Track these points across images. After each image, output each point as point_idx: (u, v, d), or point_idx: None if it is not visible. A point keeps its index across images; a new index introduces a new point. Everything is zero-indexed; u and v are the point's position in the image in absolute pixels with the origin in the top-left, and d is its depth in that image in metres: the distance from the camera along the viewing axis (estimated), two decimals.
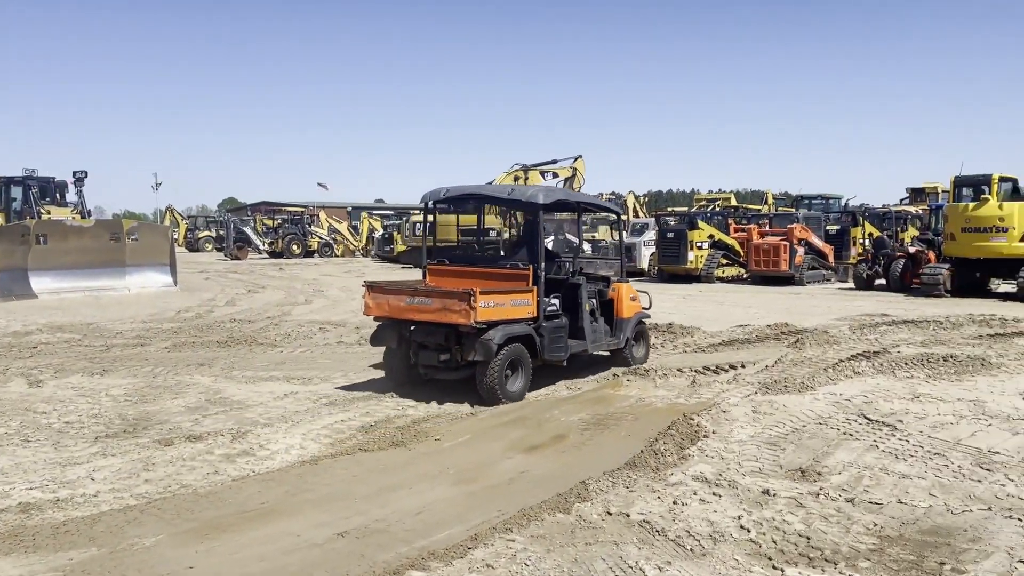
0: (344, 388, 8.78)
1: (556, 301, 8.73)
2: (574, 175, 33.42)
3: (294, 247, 42.08)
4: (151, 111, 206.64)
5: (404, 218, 38.67)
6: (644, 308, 10.20)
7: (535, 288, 8.26)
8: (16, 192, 23.12)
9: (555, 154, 32.99)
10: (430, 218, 9.69)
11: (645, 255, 26.21)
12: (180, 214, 59.61)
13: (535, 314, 8.27)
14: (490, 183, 33.79)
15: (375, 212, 54.22)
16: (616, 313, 9.60)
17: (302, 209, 47.96)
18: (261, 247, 43.26)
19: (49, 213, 22.39)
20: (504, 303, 7.97)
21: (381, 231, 41.37)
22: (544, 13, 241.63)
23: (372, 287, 8.50)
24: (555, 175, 33.43)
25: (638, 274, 26.09)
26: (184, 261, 31.60)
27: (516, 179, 32.07)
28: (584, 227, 32.62)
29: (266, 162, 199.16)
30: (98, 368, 9.91)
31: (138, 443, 6.59)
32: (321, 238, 44.05)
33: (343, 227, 46.64)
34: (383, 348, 8.75)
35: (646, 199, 51.77)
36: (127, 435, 6.86)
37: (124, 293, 19.62)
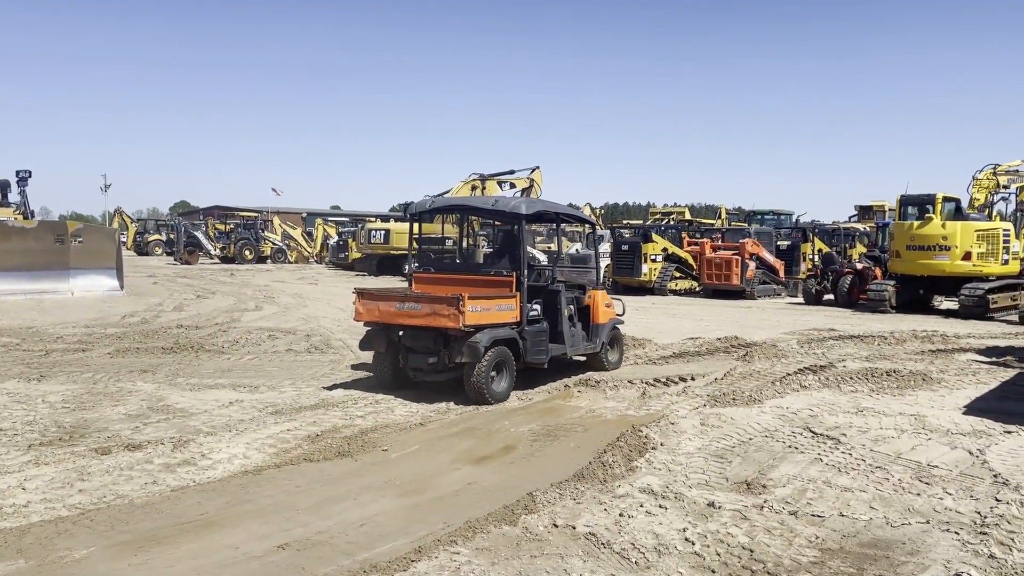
0: (292, 397, 8.63)
1: (537, 307, 9.19)
2: (531, 186, 33.52)
3: (246, 252, 41.48)
4: (100, 111, 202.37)
5: (359, 225, 38.35)
6: (618, 315, 10.67)
7: (518, 294, 8.68)
8: None
9: (512, 164, 33.05)
10: (416, 228, 9.94)
11: (600, 267, 26.34)
12: (130, 217, 58.39)
13: (519, 319, 8.69)
14: (445, 193, 33.87)
15: (330, 219, 53.73)
16: (592, 319, 10.02)
17: (256, 214, 47.34)
18: (212, 252, 42.52)
19: None
20: (490, 308, 8.35)
21: (336, 238, 40.99)
22: (502, 24, 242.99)
23: (363, 293, 8.80)
24: (512, 185, 33.51)
25: None
26: (132, 265, 30.92)
27: (473, 188, 32.06)
28: (539, 237, 32.79)
29: (220, 166, 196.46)
30: (35, 373, 9.60)
31: (74, 451, 6.38)
32: (274, 244, 43.47)
33: (297, 233, 46.09)
34: (366, 354, 9.18)
35: (602, 211, 52.15)
36: (63, 443, 6.63)
37: (67, 296, 19.10)
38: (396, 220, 38.35)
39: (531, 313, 8.98)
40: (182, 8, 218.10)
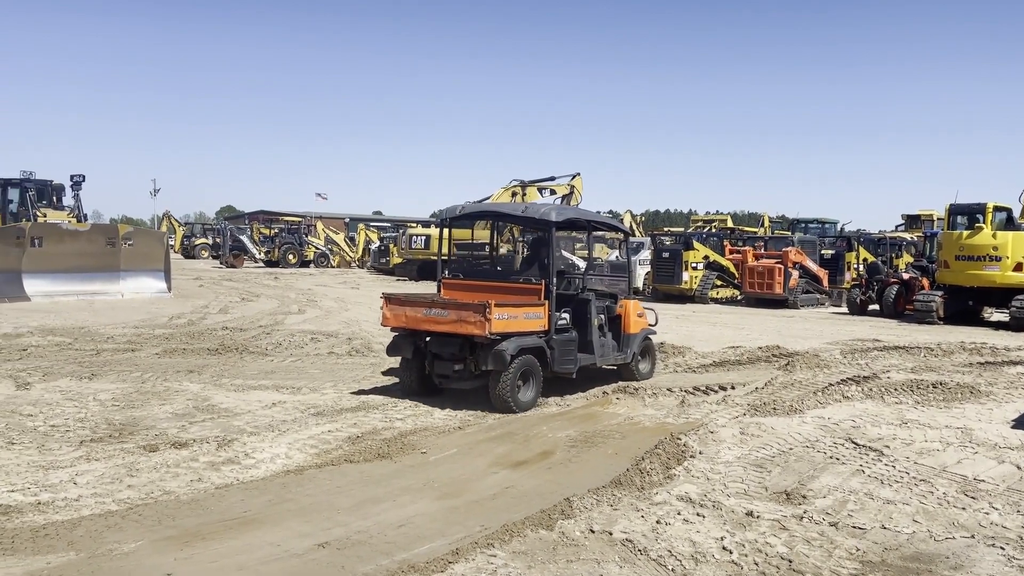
0: (333, 399, 8.76)
1: (566, 316, 9.04)
2: (572, 192, 33.56)
3: (290, 257, 42.09)
4: (152, 117, 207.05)
5: (401, 230, 38.68)
6: (650, 325, 10.45)
7: (547, 302, 8.57)
8: (13, 194, 23.12)
9: (553, 171, 33.13)
10: (446, 234, 9.89)
11: (640, 274, 26.24)
12: (177, 220, 59.56)
13: (547, 327, 8.58)
14: (486, 199, 34.01)
15: (372, 224, 54.27)
16: (623, 329, 9.86)
17: (299, 219, 47.98)
18: (257, 256, 43.23)
19: (45, 216, 22.37)
20: (517, 316, 8.27)
21: (377, 243, 41.40)
22: (547, 32, 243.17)
23: (390, 299, 8.81)
24: (553, 192, 33.59)
25: (633, 293, 26.07)
26: (179, 268, 31.59)
27: (514, 195, 32.22)
28: (580, 244, 32.74)
29: (265, 172, 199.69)
30: (87, 372, 9.88)
31: (123, 448, 6.56)
32: (317, 248, 44.05)
33: (340, 238, 46.66)
34: (398, 359, 9.12)
35: (643, 218, 51.93)
36: (112, 440, 6.82)
37: (117, 298, 19.59)
38: (437, 226, 38.56)
39: (560, 322, 8.88)
40: (232, 16, 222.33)
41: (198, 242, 53.80)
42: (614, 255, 29.27)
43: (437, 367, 8.62)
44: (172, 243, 39.97)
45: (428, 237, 33.30)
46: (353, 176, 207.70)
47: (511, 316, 8.18)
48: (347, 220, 64.14)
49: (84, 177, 23.89)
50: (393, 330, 8.90)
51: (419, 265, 33.38)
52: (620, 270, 12.03)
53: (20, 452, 6.38)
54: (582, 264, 30.45)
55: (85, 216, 24.28)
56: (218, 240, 48.94)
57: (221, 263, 42.28)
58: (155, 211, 74.88)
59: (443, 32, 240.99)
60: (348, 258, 45.31)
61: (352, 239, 47.47)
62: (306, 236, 44.19)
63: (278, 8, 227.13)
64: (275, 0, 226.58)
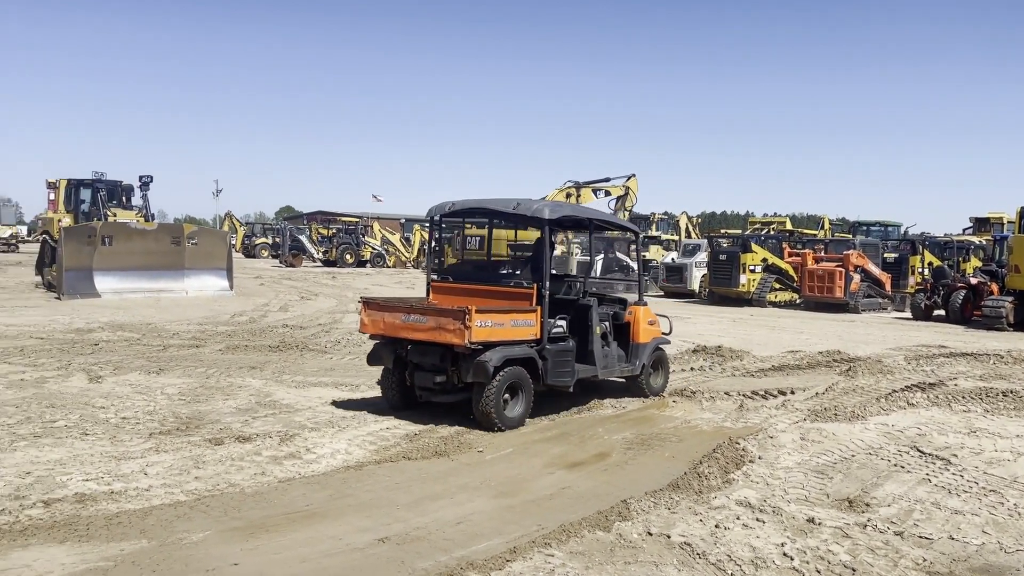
0: None
1: (563, 323, 8.28)
2: (627, 193, 33.37)
3: (347, 256, 42.72)
4: (214, 119, 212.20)
5: (456, 231, 38.92)
6: (664, 334, 9.59)
7: (539, 308, 7.82)
8: (85, 194, 23.90)
9: (608, 172, 33.00)
10: (436, 232, 9.45)
11: (696, 276, 25.98)
12: (239, 220, 60.94)
13: (538, 336, 7.81)
14: (542, 199, 33.90)
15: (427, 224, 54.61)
16: (632, 338, 9.05)
17: (356, 219, 48.69)
18: (315, 255, 43.96)
19: (115, 215, 23.09)
20: (504, 323, 7.54)
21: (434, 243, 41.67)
22: (601, 33, 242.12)
23: (368, 303, 8.16)
24: (607, 193, 33.43)
25: (688, 295, 25.87)
26: (240, 267, 32.33)
27: (568, 196, 32.14)
28: (632, 247, 32.53)
29: (323, 173, 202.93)
30: (155, 367, 10.20)
31: (190, 441, 6.76)
32: (374, 248, 44.63)
33: (396, 238, 47.21)
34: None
35: (699, 220, 51.30)
36: (180, 433, 7.04)
37: (182, 295, 20.14)
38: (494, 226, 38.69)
39: (555, 329, 8.08)
40: (295, 18, 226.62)
41: (258, 242, 54.97)
42: (670, 257, 29.03)
43: (417, 378, 7.91)
44: (234, 243, 40.93)
45: (483, 238, 33.49)
46: (409, 177, 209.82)
47: (496, 323, 7.45)
48: (403, 221, 64.83)
49: (152, 178, 24.59)
50: (372, 337, 8.25)
51: (474, 265, 33.53)
52: (630, 273, 11.65)
53: (93, 443, 6.63)
54: (635, 267, 30.26)
55: (152, 216, 24.99)
56: (277, 240, 49.96)
57: (280, 262, 43.16)
58: (217, 211, 76.78)
59: (496, 33, 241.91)
60: (404, 258, 45.79)
61: (408, 239, 47.96)
62: (363, 236, 44.81)
63: (337, 11, 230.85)
64: (336, 2, 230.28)
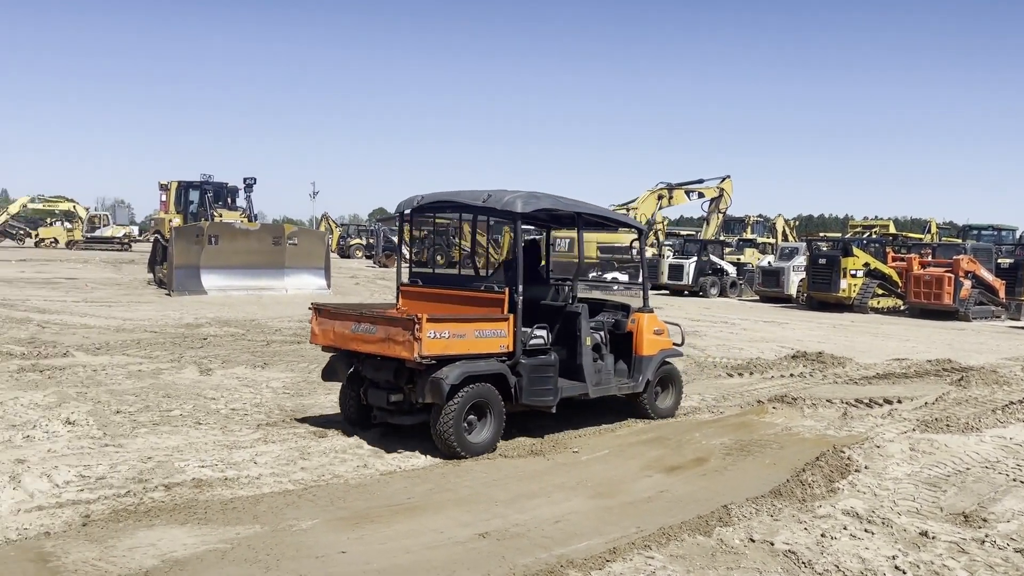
0: None
1: (542, 333, 7.19)
2: (721, 195, 32.79)
3: (438, 258, 43.36)
4: (310, 120, 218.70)
5: (542, 233, 39.01)
6: (675, 345, 8.41)
7: (511, 316, 6.80)
8: (193, 196, 25.13)
9: (702, 174, 32.46)
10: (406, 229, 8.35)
11: (793, 281, 25.25)
12: (335, 221, 62.69)
13: (511, 348, 6.80)
14: (631, 203, 33.79)
15: None
16: (635, 349, 7.97)
17: (449, 221, 49.33)
18: (407, 256, 44.72)
19: (221, 216, 24.18)
20: (465, 333, 6.56)
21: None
22: (697, 33, 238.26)
23: (319, 310, 7.34)
24: (701, 195, 32.92)
25: (785, 300, 25.19)
26: (336, 267, 33.20)
27: (660, 197, 31.81)
28: (729, 249, 31.87)
29: (414, 175, 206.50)
30: (259, 361, 10.61)
31: (295, 432, 7.01)
32: (464, 250, 45.15)
33: (484, 240, 47.58)
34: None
35: (795, 223, 49.90)
36: (285, 424, 7.31)
37: (282, 293, 20.88)
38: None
39: (533, 340, 7.04)
40: (384, 23, 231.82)
41: (353, 242, 56.42)
42: (766, 260, 28.32)
43: (371, 396, 6.99)
44: (330, 243, 42.19)
45: (571, 241, 33.45)
46: (502, 180, 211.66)
47: (455, 334, 6.48)
48: (491, 222, 65.39)
49: (255, 180, 25.64)
50: (324, 349, 7.44)
51: (563, 268, 33.59)
52: (633, 276, 10.00)
53: (207, 432, 6.96)
54: (731, 270, 29.60)
55: (256, 217, 26.03)
56: (371, 241, 51.17)
57: (374, 263, 44.18)
58: (314, 212, 79.18)
59: (600, 36, 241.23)
60: (493, 259, 46.15)
61: (496, 241, 48.32)
62: (454, 238, 45.41)
63: (433, 13, 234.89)
64: (439, 2, 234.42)
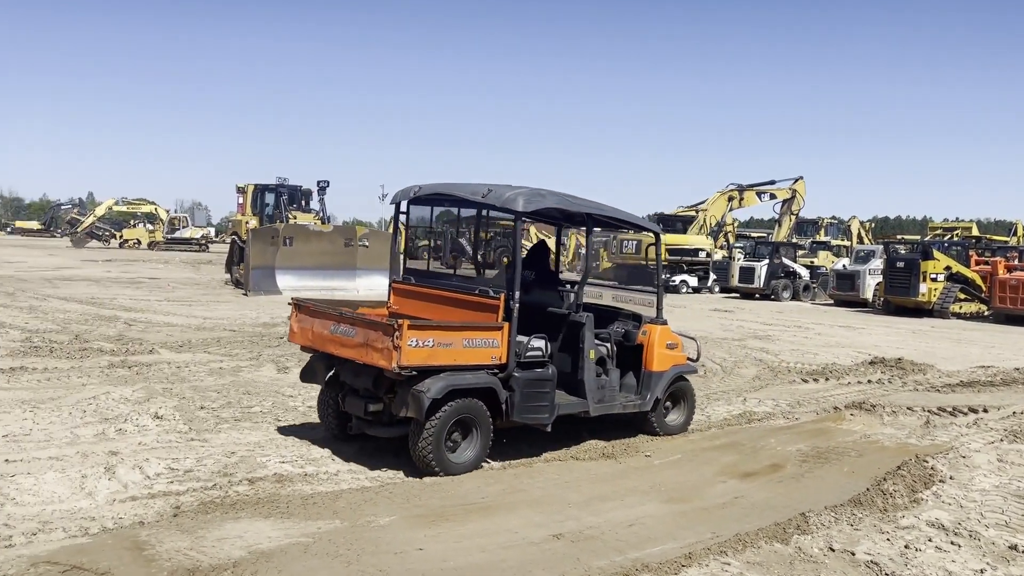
0: None
1: (540, 343, 6.51)
2: (793, 197, 32.12)
3: (504, 259, 43.62)
4: (380, 121, 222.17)
5: (612, 235, 38.84)
6: (690, 360, 7.77)
7: (506, 324, 6.19)
8: (269, 198, 25.78)
9: (774, 176, 31.82)
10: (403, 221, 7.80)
11: (870, 285, 24.55)
12: (403, 224, 63.57)
13: (503, 359, 6.18)
14: (700, 204, 33.32)
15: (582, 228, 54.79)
16: (644, 364, 7.31)
17: (513, 223, 49.56)
18: (472, 257, 45.09)
19: (295, 218, 24.77)
20: (452, 342, 5.96)
21: (586, 248, 41.88)
22: (774, 36, 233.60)
23: (300, 306, 6.88)
24: (772, 196, 32.32)
25: (860, 304, 24.52)
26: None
27: (730, 199, 31.35)
28: (802, 251, 31.15)
29: (483, 176, 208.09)
30: None
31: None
32: (460, 246, 45.29)
33: (551, 242, 47.62)
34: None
35: (871, 225, 48.48)
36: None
37: (354, 294, 21.26)
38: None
39: (530, 352, 6.40)
40: (452, 22, 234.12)
41: (420, 244, 57.13)
42: (841, 263, 27.60)
43: (349, 404, 6.49)
44: (400, 245, 42.75)
45: (639, 242, 33.20)
46: (579, 182, 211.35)
47: (440, 343, 5.87)
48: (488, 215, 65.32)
49: (328, 183, 26.21)
50: (304, 349, 6.96)
51: (629, 270, 33.38)
52: (646, 282, 8.77)
53: (286, 428, 7.15)
54: (804, 273, 28.88)
55: (328, 218, 26.61)
56: (438, 243, 51.76)
57: (442, 264, 44.66)
58: (383, 214, 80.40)
59: (671, 35, 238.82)
60: (563, 261, 46.22)
61: (563, 243, 48.33)
62: (521, 240, 45.61)
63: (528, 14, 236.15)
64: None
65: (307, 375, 6.96)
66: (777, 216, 33.51)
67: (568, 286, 7.51)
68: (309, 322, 6.68)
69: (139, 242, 49.91)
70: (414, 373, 5.76)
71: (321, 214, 25.95)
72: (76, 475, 5.46)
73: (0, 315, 13.80)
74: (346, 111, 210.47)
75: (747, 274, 27.07)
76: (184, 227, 51.35)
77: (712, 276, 28.95)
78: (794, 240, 32.57)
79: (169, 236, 49.69)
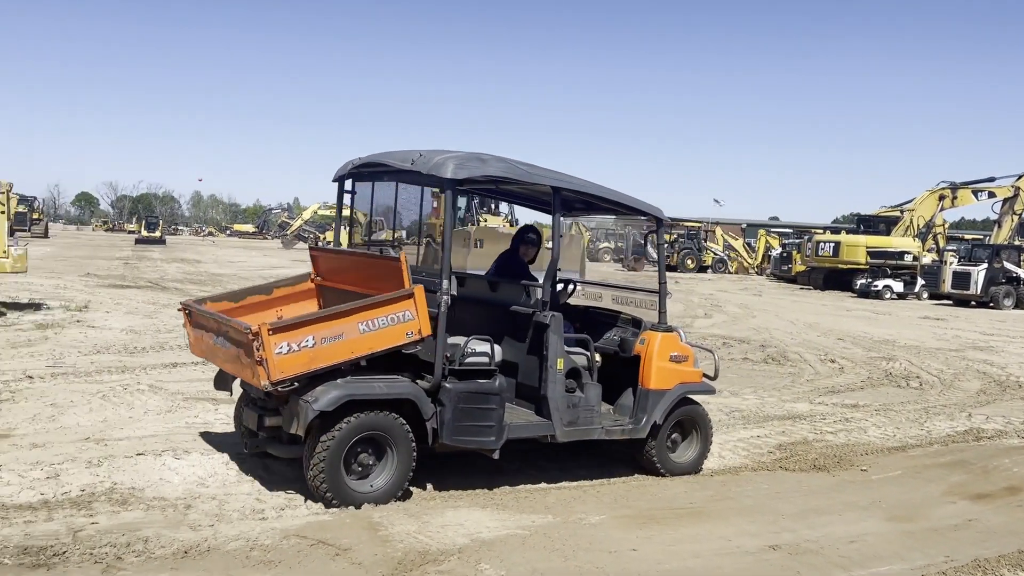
0: (755, 404, 8.72)
1: (485, 347, 5.33)
2: (1016, 195, 29.33)
3: (688, 262, 42.78)
4: (550, 128, 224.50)
5: (805, 237, 37.12)
6: (707, 377, 6.27)
7: (419, 288, 5.07)
8: (461, 202, 26.80)
9: (992, 172, 29.10)
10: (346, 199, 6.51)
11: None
12: (584, 226, 63.95)
13: (425, 332, 5.04)
14: (906, 203, 30.99)
15: (773, 230, 52.83)
16: (641, 380, 5.91)
17: (698, 224, 48.51)
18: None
19: (485, 220, 25.63)
20: (342, 332, 4.85)
21: (779, 249, 40.29)
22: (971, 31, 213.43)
23: (190, 312, 5.79)
24: (991, 194, 29.65)
25: None
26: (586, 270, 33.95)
27: (941, 198, 29.12)
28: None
29: (665, 178, 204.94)
30: None
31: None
32: (715, 254, 44.18)
33: (739, 244, 46.27)
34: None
35: None
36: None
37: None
38: (847, 232, 36.36)
39: (470, 358, 5.24)
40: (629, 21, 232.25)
41: (601, 246, 57.27)
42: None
43: (245, 417, 5.57)
44: (584, 246, 43.06)
45: (837, 244, 31.45)
46: (749, 180, 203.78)
47: (326, 337, 4.77)
48: (744, 225, 63.29)
49: None
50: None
51: (825, 273, 31.75)
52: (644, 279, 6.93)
53: None
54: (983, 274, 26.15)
55: (516, 221, 27.28)
56: (620, 245, 51.59)
57: (623, 267, 44.51)
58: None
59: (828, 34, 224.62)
60: (746, 264, 44.75)
61: (750, 245, 46.74)
62: (704, 242, 44.56)
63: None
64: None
65: (219, 382, 6.01)
66: (997, 216, 30.57)
67: (563, 285, 6.64)
68: (199, 331, 5.67)
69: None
70: (295, 385, 4.78)
71: (509, 217, 26.67)
72: None
73: None
74: (530, 112, 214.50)
75: (962, 279, 24.90)
76: (381, 230, 54.37)
77: (920, 281, 26.91)
78: (1017, 243, 29.59)
79: (366, 239, 52.79)
